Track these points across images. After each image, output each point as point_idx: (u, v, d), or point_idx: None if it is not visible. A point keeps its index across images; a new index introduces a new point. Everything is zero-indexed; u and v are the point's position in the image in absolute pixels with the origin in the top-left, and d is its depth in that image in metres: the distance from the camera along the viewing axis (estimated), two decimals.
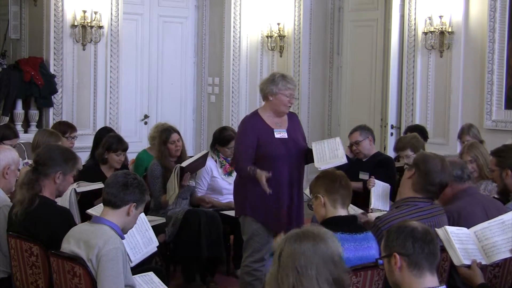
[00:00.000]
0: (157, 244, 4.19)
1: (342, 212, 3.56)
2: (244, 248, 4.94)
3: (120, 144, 5.71)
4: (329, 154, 4.88)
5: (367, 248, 3.46)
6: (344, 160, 4.90)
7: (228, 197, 6.19)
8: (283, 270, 2.35)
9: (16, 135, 5.96)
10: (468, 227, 3.59)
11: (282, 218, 4.81)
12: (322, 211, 3.57)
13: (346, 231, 3.43)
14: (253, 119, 4.89)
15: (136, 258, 4.02)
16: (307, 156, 5.01)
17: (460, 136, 6.38)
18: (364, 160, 5.88)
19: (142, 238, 4.08)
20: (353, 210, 4.80)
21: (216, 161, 6.23)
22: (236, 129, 6.96)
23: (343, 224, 3.46)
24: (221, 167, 6.23)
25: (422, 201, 3.75)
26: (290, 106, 4.94)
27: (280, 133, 4.86)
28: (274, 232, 4.71)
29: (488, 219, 3.72)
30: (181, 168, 5.60)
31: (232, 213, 5.65)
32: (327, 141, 5.04)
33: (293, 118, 5.03)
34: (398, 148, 5.73)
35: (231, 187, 6.09)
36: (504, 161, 4.32)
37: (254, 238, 4.83)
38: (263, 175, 4.62)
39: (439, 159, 3.85)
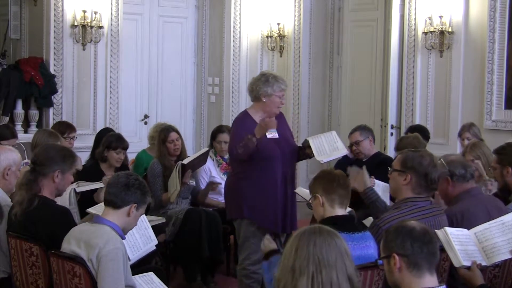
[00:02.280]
0: (156, 242, 4.19)
1: (340, 211, 3.56)
2: (240, 251, 4.92)
3: (119, 142, 5.71)
4: (329, 147, 4.88)
5: (365, 247, 3.46)
6: (345, 152, 4.91)
7: None
8: (302, 260, 2.40)
9: (14, 135, 5.95)
10: (471, 229, 3.58)
11: (278, 216, 4.81)
12: (320, 210, 3.58)
13: (343, 230, 3.42)
14: (245, 120, 4.87)
15: (135, 256, 4.02)
16: (299, 154, 5.01)
17: (461, 133, 6.39)
18: (364, 160, 5.87)
19: (141, 237, 4.08)
20: None
21: (213, 160, 6.24)
22: None
23: (340, 223, 3.46)
24: (218, 166, 6.24)
25: (421, 201, 3.75)
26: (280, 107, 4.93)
27: (272, 133, 4.84)
28: (270, 231, 4.71)
29: (491, 220, 3.72)
30: (183, 165, 5.61)
31: None
32: (323, 135, 5.03)
33: (280, 117, 4.99)
34: (399, 148, 5.71)
35: None
36: (505, 159, 4.32)
37: (250, 240, 4.81)
38: (260, 124, 4.61)
39: (426, 155, 3.84)
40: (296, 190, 4.81)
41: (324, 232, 2.47)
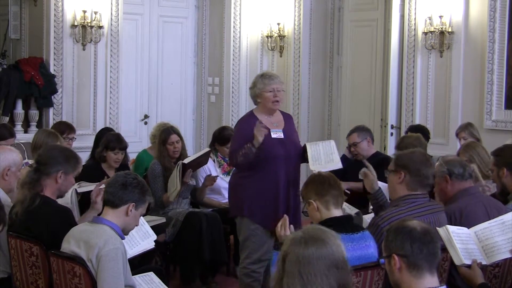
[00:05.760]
0: (155, 237, 4.20)
1: (336, 212, 3.56)
2: (241, 249, 4.94)
3: (118, 143, 5.68)
4: (325, 158, 4.92)
5: (364, 247, 3.46)
6: (339, 165, 4.95)
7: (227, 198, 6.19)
8: (288, 276, 2.34)
9: (11, 135, 5.92)
10: (470, 227, 3.59)
11: (279, 216, 4.80)
12: (317, 215, 3.58)
13: (343, 231, 3.42)
14: (249, 119, 4.90)
15: (134, 250, 4.02)
16: (303, 156, 5.03)
17: (458, 133, 6.45)
18: (363, 160, 5.87)
19: (137, 232, 4.07)
20: (349, 208, 4.81)
21: (214, 160, 6.23)
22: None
23: (339, 225, 3.45)
24: (219, 166, 6.24)
25: (420, 197, 3.77)
26: (279, 101, 4.92)
27: (277, 133, 4.87)
28: (271, 232, 4.71)
29: (489, 219, 3.72)
30: (183, 165, 5.60)
31: None
32: (321, 143, 5.06)
33: (289, 120, 5.08)
34: (400, 148, 5.71)
35: None
36: (501, 160, 4.33)
37: (251, 239, 4.83)
38: (257, 128, 4.64)
39: (418, 152, 3.93)
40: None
41: (311, 243, 2.38)
